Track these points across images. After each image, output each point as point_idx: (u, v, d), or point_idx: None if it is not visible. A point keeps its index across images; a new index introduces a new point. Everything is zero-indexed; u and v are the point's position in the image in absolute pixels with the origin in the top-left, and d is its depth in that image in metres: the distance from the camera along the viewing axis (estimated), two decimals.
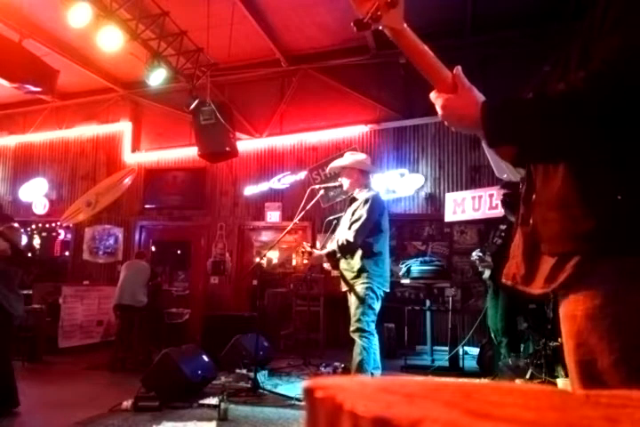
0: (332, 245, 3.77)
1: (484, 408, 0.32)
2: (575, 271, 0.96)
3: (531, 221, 1.07)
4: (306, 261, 4.13)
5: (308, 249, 3.91)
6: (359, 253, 3.60)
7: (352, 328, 3.55)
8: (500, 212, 5.30)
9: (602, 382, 0.92)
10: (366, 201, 3.65)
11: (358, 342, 3.50)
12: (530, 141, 1.01)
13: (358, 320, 3.52)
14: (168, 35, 6.40)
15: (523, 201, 1.13)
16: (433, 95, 1.12)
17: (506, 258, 1.18)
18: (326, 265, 3.97)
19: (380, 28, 1.11)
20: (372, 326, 3.54)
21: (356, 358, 3.50)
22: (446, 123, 1.12)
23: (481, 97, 1.07)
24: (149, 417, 3.57)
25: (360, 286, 3.55)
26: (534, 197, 1.08)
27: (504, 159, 1.09)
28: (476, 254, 4.93)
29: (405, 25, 1.12)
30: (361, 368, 3.44)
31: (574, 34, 1.06)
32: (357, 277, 3.58)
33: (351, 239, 3.57)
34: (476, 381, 3.90)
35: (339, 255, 3.69)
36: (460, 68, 1.11)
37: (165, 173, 8.61)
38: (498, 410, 0.32)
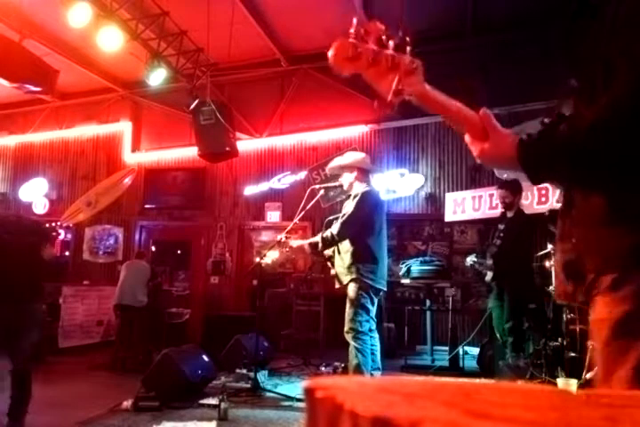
0: (316, 238, 3.76)
1: (484, 408, 0.32)
2: (612, 284, 0.97)
3: (573, 240, 1.06)
4: (287, 250, 4.11)
5: (283, 239, 3.90)
6: (351, 249, 3.56)
7: (345, 328, 3.52)
8: (500, 212, 5.29)
9: (623, 386, 0.92)
10: (355, 196, 3.64)
11: (352, 343, 3.46)
12: (568, 178, 1.06)
13: (351, 320, 3.49)
14: (168, 35, 6.41)
15: (561, 216, 1.12)
16: (467, 140, 1.12)
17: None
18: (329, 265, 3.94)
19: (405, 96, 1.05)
20: (367, 326, 3.50)
21: (352, 361, 3.45)
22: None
23: (513, 137, 1.06)
24: (149, 417, 3.57)
25: (352, 285, 3.52)
26: (574, 212, 1.07)
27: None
28: (470, 260, 4.89)
29: (426, 85, 1.06)
30: (359, 372, 3.39)
31: (587, 35, 1.05)
32: (349, 274, 3.55)
33: (335, 232, 3.55)
34: (476, 381, 3.89)
35: (320, 247, 3.67)
36: (486, 110, 1.08)
37: (165, 173, 8.61)
38: (498, 410, 0.32)
